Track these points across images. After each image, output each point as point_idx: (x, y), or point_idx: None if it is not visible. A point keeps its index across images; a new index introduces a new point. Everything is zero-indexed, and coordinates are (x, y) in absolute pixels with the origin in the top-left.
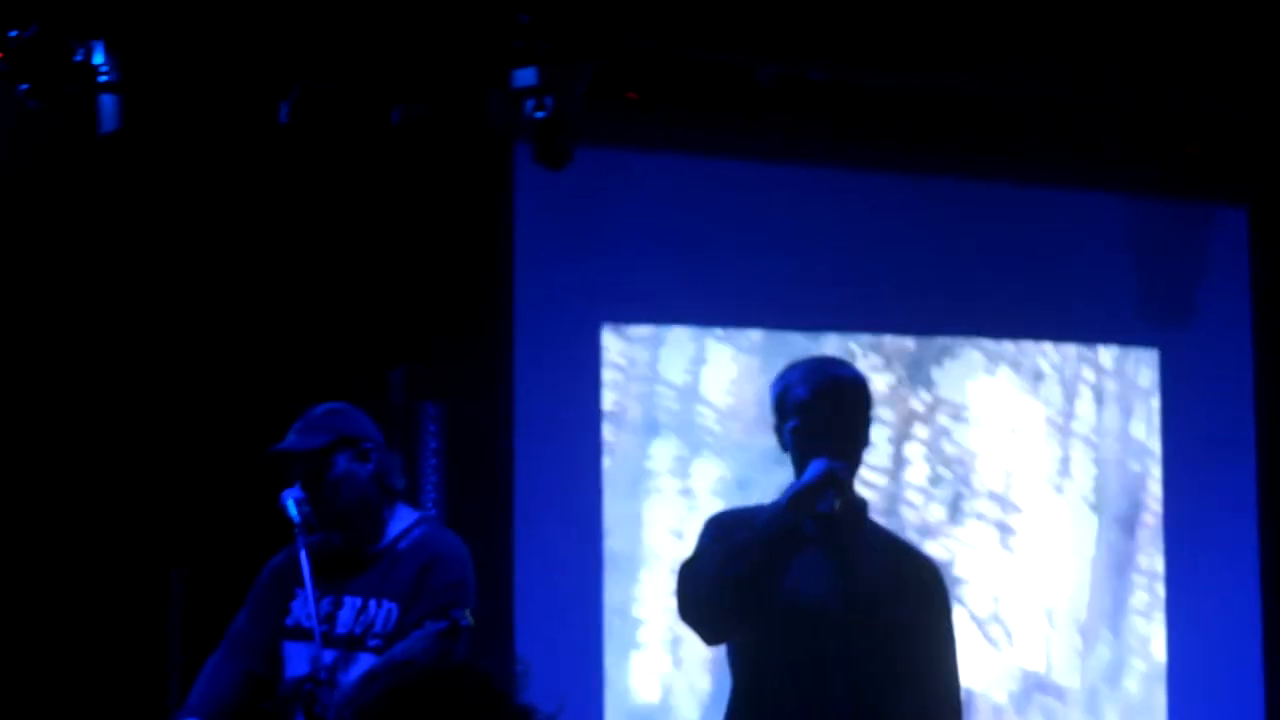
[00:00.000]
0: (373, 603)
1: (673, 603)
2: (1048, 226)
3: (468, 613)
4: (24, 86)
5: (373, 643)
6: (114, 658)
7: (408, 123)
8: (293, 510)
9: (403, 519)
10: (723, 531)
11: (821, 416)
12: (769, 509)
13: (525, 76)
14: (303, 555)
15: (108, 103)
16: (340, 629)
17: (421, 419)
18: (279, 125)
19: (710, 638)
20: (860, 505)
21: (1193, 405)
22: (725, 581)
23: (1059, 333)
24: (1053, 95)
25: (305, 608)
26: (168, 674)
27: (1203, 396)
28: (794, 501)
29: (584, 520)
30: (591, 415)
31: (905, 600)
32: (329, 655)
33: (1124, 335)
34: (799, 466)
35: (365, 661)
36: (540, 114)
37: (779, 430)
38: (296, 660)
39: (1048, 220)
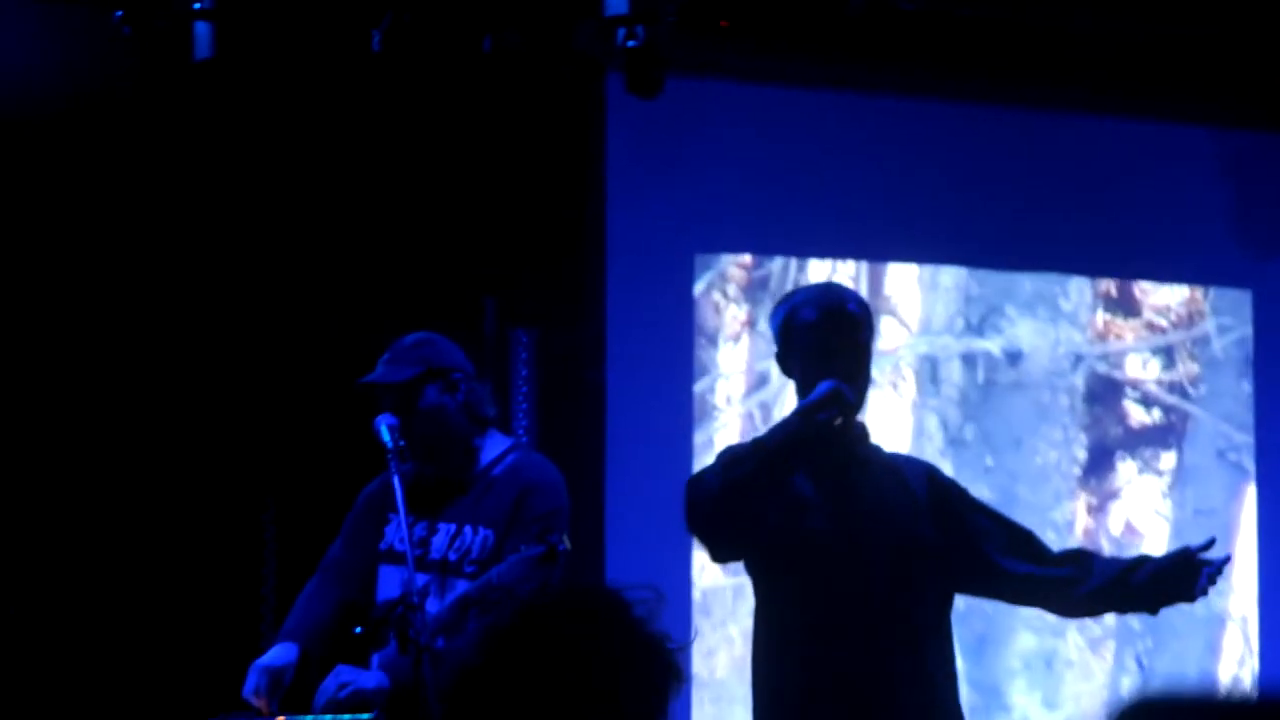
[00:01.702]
0: (468, 529)
1: None
2: (1138, 161)
3: (565, 538)
4: (119, 14)
5: (469, 569)
6: (209, 586)
7: (499, 51)
8: (385, 436)
9: (495, 446)
10: (730, 450)
11: (829, 338)
12: (774, 426)
13: (617, 5)
14: (396, 480)
15: (201, 30)
16: (434, 554)
17: (513, 346)
18: (371, 53)
19: (715, 550)
20: (862, 429)
21: None
22: (727, 486)
23: (1151, 271)
24: (1142, 26)
25: (399, 532)
26: (261, 599)
27: None
28: (801, 413)
29: (675, 447)
30: (684, 344)
31: (913, 509)
32: (421, 579)
33: (1217, 274)
34: (805, 388)
35: (460, 587)
36: (631, 43)
37: (783, 355)
38: (389, 583)
39: (1138, 154)
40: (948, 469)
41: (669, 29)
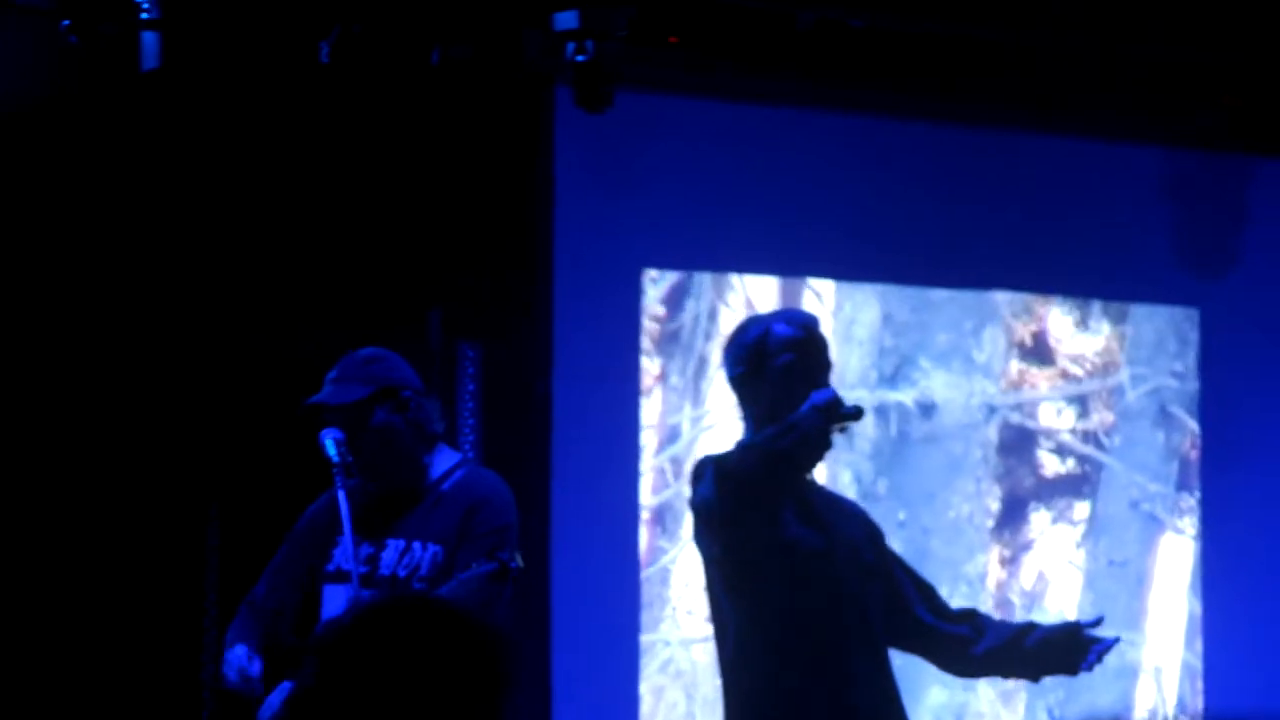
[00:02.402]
0: (416, 544)
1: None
2: (1087, 180)
3: (516, 555)
4: (66, 23)
5: (418, 585)
6: (152, 594)
7: (448, 64)
8: (332, 450)
9: (444, 461)
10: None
11: (810, 355)
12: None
13: (566, 19)
14: (341, 495)
15: (149, 40)
16: (383, 570)
17: (460, 359)
18: (319, 65)
19: (754, 511)
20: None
21: (1233, 363)
22: (778, 454)
23: (1096, 289)
24: (1091, 46)
25: (345, 551)
26: (204, 609)
27: (1243, 353)
28: (822, 410)
29: (621, 461)
30: (630, 358)
31: (865, 536)
32: (369, 597)
33: (1163, 292)
34: (780, 404)
35: None
36: (580, 57)
37: (749, 375)
38: (334, 602)
39: (1087, 174)
40: None
41: (618, 44)
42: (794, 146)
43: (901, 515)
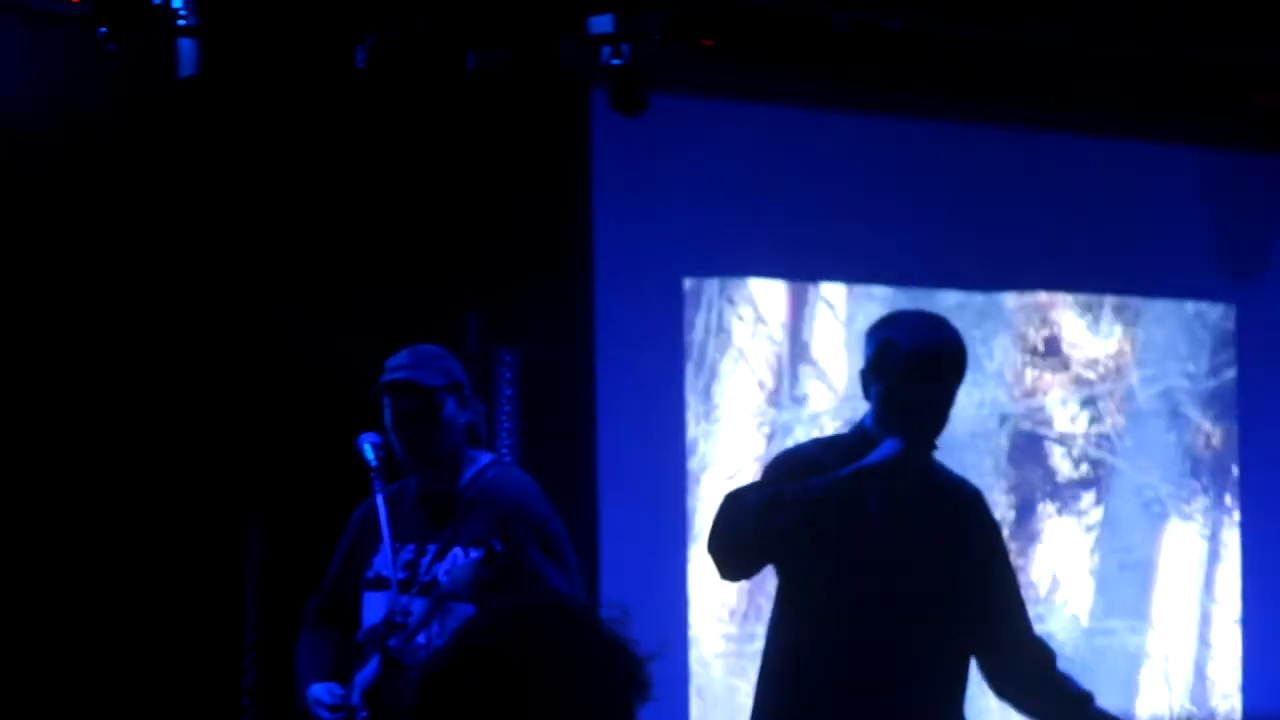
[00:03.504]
0: (457, 549)
1: None
2: (1122, 181)
3: (500, 541)
4: (103, 30)
5: (460, 590)
6: (193, 603)
7: (484, 69)
8: (369, 454)
9: (474, 465)
10: (778, 475)
11: (916, 384)
12: (827, 477)
13: (602, 23)
14: (380, 500)
15: (186, 47)
16: (423, 576)
17: (497, 364)
18: (355, 71)
19: (728, 574)
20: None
21: (1270, 361)
22: (761, 531)
23: (1133, 288)
24: (1126, 46)
25: (384, 558)
26: (245, 617)
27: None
28: (856, 475)
29: (667, 465)
30: (673, 361)
31: (959, 547)
32: (411, 603)
33: (1199, 291)
34: (880, 423)
35: (458, 610)
36: (616, 61)
37: (868, 376)
38: (374, 609)
39: (1122, 174)
40: None
41: (654, 47)
42: (829, 149)
43: None
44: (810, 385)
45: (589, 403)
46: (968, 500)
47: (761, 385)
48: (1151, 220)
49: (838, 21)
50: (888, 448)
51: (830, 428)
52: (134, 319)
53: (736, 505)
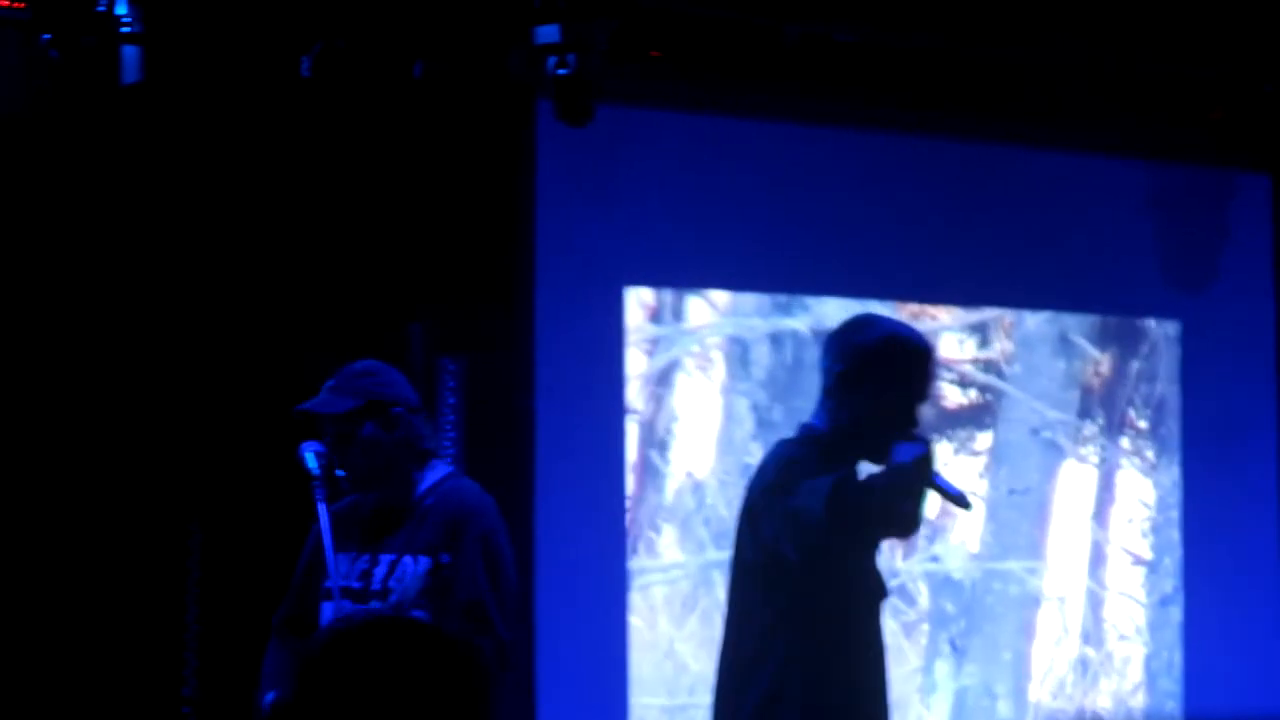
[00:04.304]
0: (407, 558)
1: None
2: (1069, 193)
3: (446, 553)
4: (46, 36)
5: (409, 598)
6: (133, 613)
7: (430, 78)
8: (311, 462)
9: (433, 475)
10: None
11: (922, 380)
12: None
13: (548, 33)
14: (321, 507)
15: (130, 54)
16: (375, 585)
17: (441, 374)
18: (301, 79)
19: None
20: None
21: (1214, 376)
22: (859, 520)
23: (1080, 303)
24: (1074, 60)
25: (329, 566)
26: (185, 626)
27: (1224, 366)
28: (919, 470)
29: (605, 475)
30: (614, 373)
31: None
32: (348, 612)
33: (1146, 306)
34: (875, 418)
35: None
36: (562, 71)
37: (853, 376)
38: (328, 617)
39: (1069, 187)
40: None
41: (600, 57)
42: (778, 161)
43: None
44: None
45: (528, 411)
46: None
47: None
48: (1097, 234)
49: (787, 33)
50: (913, 451)
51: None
52: (73, 326)
53: (805, 509)
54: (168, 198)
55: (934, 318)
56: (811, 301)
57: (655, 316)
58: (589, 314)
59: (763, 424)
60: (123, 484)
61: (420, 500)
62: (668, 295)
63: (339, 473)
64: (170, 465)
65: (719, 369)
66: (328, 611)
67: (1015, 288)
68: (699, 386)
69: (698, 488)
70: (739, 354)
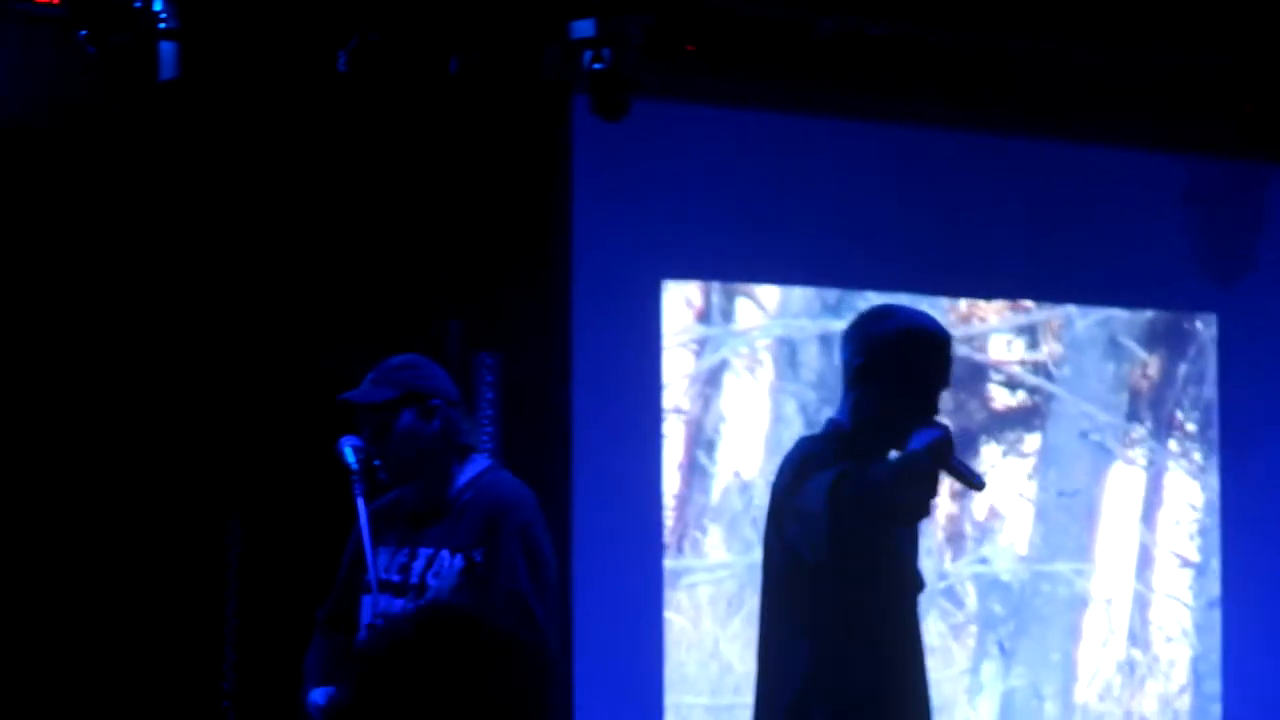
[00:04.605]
0: (444, 553)
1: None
2: (1105, 188)
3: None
4: (83, 33)
5: (448, 593)
6: (172, 607)
7: (466, 73)
8: (350, 457)
9: (472, 469)
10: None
11: (940, 372)
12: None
13: (583, 28)
14: (360, 502)
15: (166, 50)
16: (414, 579)
17: (478, 369)
18: (337, 74)
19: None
20: None
21: (1251, 370)
22: (880, 508)
23: (1117, 297)
24: (1110, 54)
25: (376, 561)
26: (224, 620)
27: (1261, 360)
28: (936, 458)
29: (642, 469)
30: (651, 368)
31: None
32: (392, 605)
33: (1182, 300)
34: (890, 411)
35: None
36: (597, 65)
37: (869, 368)
38: (367, 612)
39: (1105, 181)
40: None
41: (635, 52)
42: (812, 155)
43: None
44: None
45: (565, 406)
46: None
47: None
48: (1134, 228)
49: (820, 27)
50: (929, 435)
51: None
52: (113, 321)
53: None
54: (206, 193)
55: (983, 319)
56: (861, 302)
57: (703, 317)
58: (626, 308)
59: (811, 424)
60: (163, 479)
61: (459, 494)
62: (716, 295)
63: (376, 463)
64: (210, 460)
65: (767, 369)
66: (366, 605)
67: (1053, 282)
68: (747, 387)
69: (745, 488)
70: (788, 355)
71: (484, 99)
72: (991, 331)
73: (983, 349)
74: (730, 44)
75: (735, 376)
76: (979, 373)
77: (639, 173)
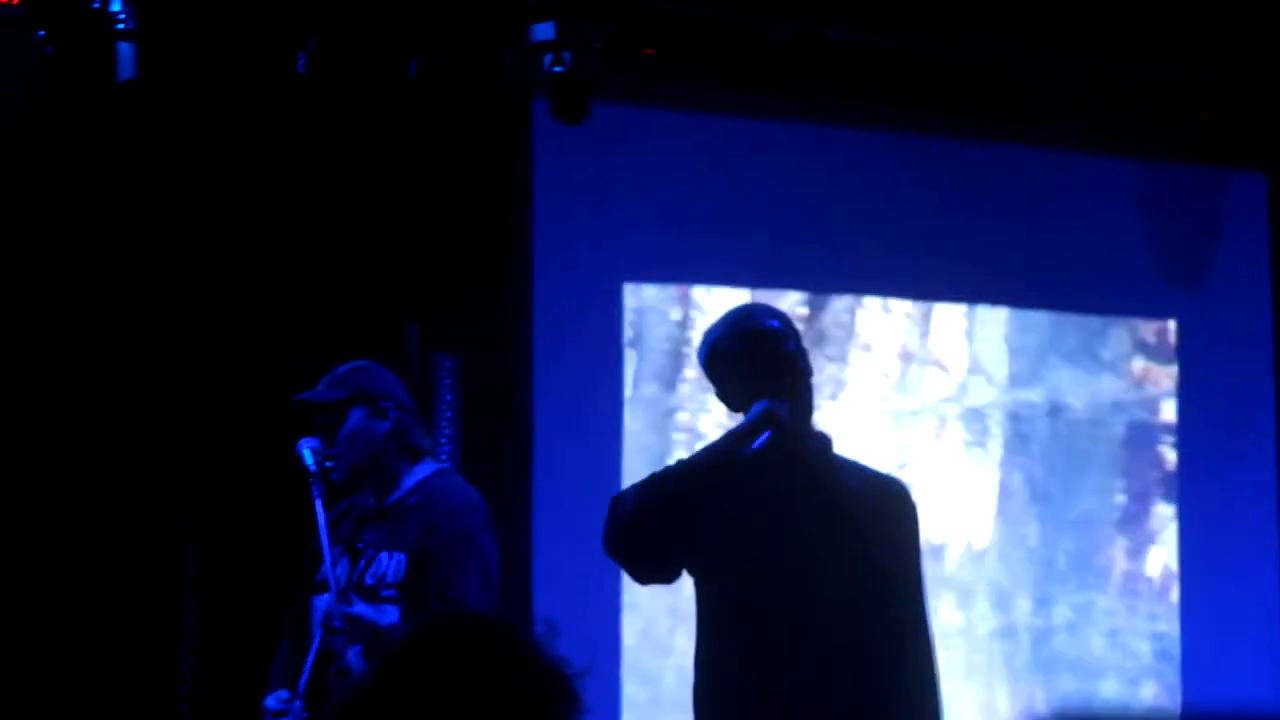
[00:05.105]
0: (384, 554)
1: None
2: (1062, 193)
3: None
4: (41, 33)
5: (386, 593)
6: (129, 613)
7: (425, 75)
8: (308, 459)
9: (418, 473)
10: (655, 473)
11: (752, 361)
12: (703, 449)
13: (543, 31)
14: (318, 504)
15: (125, 51)
16: (355, 578)
17: (437, 371)
18: (296, 75)
19: (634, 571)
20: (822, 440)
21: (1211, 375)
22: (642, 506)
23: (1076, 303)
24: (1067, 60)
25: (325, 560)
26: (181, 625)
27: (1221, 365)
28: (733, 437)
29: (602, 472)
30: (612, 368)
31: (871, 529)
32: (353, 606)
33: (1140, 305)
34: (740, 406)
35: (389, 612)
36: (558, 69)
37: (719, 391)
38: (319, 611)
39: (1062, 186)
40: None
41: (595, 55)
42: (771, 158)
43: (1033, 509)
44: None
45: (526, 409)
46: (882, 481)
47: None
48: (1093, 233)
49: (779, 31)
50: (756, 408)
51: None
52: (69, 325)
53: (618, 501)
54: (162, 196)
55: (1156, 383)
56: (1048, 373)
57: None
58: (586, 311)
59: (1005, 493)
60: (119, 482)
61: (406, 497)
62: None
63: (329, 464)
64: (166, 464)
65: (959, 438)
66: (319, 605)
67: (1011, 287)
68: (946, 453)
69: None
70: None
71: (444, 102)
72: (1164, 395)
73: (1155, 411)
74: (689, 48)
75: (933, 441)
76: (1152, 434)
77: (599, 175)
